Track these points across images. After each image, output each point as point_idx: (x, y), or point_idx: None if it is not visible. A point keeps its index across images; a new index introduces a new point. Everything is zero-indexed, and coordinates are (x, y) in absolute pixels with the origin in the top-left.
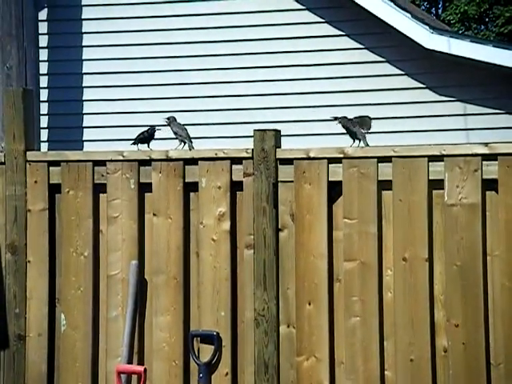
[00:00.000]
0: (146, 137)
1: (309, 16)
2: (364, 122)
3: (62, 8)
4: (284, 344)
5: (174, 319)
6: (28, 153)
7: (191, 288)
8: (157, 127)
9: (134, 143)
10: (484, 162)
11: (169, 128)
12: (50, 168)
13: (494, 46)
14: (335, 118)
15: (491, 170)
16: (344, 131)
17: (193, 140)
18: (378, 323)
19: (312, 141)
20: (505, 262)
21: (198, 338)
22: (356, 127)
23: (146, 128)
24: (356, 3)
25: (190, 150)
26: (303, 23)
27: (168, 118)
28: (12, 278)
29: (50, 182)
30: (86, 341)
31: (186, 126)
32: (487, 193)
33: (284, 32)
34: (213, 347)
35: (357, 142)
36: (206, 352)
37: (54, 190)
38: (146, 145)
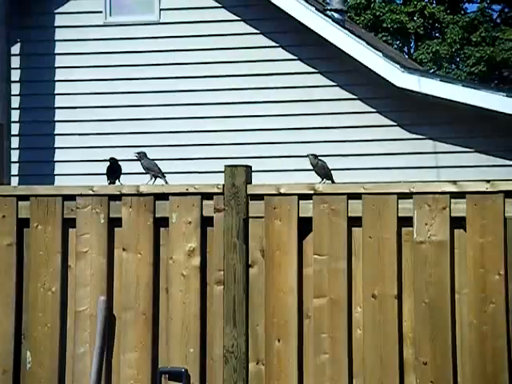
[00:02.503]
0: (114, 169)
1: (282, 53)
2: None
3: (35, 43)
4: (253, 381)
5: (142, 356)
6: None
7: (160, 324)
8: (113, 158)
9: (110, 183)
10: (452, 200)
11: (139, 163)
12: (19, 202)
13: (463, 86)
14: (312, 156)
15: (459, 207)
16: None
17: (164, 175)
18: (348, 360)
19: (283, 177)
20: (473, 300)
21: (167, 375)
22: (325, 165)
23: (108, 163)
24: (329, 41)
25: (166, 183)
26: (276, 60)
27: (138, 153)
28: None
29: (19, 216)
30: (52, 378)
31: (157, 161)
32: (455, 231)
33: (256, 68)
34: None
35: (326, 180)
36: None
37: (23, 224)
38: (117, 180)
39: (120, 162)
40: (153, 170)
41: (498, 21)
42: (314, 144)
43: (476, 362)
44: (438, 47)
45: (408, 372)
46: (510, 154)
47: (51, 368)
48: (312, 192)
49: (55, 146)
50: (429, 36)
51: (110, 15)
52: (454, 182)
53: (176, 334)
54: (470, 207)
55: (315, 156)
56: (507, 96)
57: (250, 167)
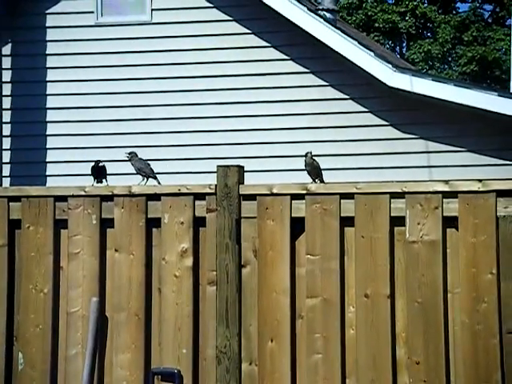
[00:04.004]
0: (97, 171)
1: (274, 53)
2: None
3: (26, 43)
4: (246, 382)
5: (134, 357)
6: None
7: (153, 325)
8: (100, 161)
9: (98, 182)
10: (444, 200)
11: (131, 163)
12: (10, 203)
13: (455, 85)
14: (309, 154)
15: (451, 207)
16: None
17: (156, 175)
18: (340, 360)
19: (275, 177)
20: (465, 300)
21: (159, 376)
22: (318, 166)
23: (93, 164)
24: (320, 41)
25: (159, 183)
26: (268, 60)
27: (129, 153)
28: None
29: (10, 217)
30: (44, 380)
31: (150, 162)
32: (448, 230)
33: (248, 68)
34: None
35: (317, 180)
36: None
37: (14, 225)
38: (104, 180)
39: (112, 163)
40: (144, 170)
41: (490, 20)
42: (306, 144)
43: (468, 361)
44: (429, 47)
45: (401, 371)
46: (501, 153)
47: (43, 369)
48: (304, 192)
49: (47, 146)
50: (421, 36)
51: (102, 15)
52: (446, 182)
53: (169, 335)
54: (462, 207)
55: (311, 155)
56: (499, 95)
57: (243, 167)
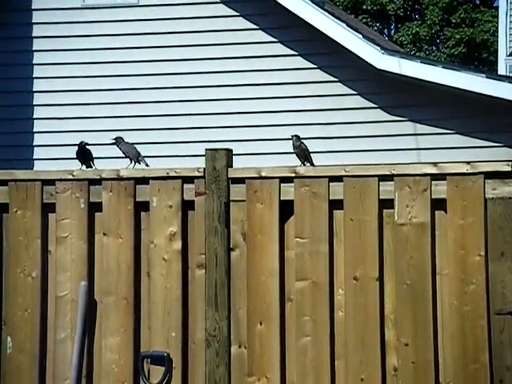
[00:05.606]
0: (82, 154)
1: (262, 36)
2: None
3: (12, 25)
4: (235, 364)
5: (123, 340)
6: None
7: (142, 308)
8: (84, 142)
9: (87, 166)
10: (433, 182)
11: (119, 147)
12: None
13: (443, 67)
14: (296, 137)
15: (440, 189)
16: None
17: (144, 159)
18: (330, 343)
19: (265, 160)
20: (453, 282)
21: (149, 359)
22: (306, 148)
23: (77, 148)
24: (308, 23)
25: (147, 166)
26: (256, 43)
27: (115, 138)
28: None
29: None
30: (33, 364)
31: (139, 145)
32: (436, 212)
33: (236, 51)
34: (163, 368)
35: (306, 162)
36: (157, 373)
37: (2, 209)
38: (91, 162)
39: (100, 147)
40: (132, 153)
41: (478, 2)
42: (294, 127)
43: (457, 342)
44: (417, 29)
45: (390, 353)
46: (490, 135)
47: (32, 353)
48: (293, 175)
49: (34, 130)
50: (409, 18)
51: None
52: (435, 164)
53: (158, 318)
54: (450, 189)
55: (298, 138)
56: (487, 77)
57: (231, 151)
